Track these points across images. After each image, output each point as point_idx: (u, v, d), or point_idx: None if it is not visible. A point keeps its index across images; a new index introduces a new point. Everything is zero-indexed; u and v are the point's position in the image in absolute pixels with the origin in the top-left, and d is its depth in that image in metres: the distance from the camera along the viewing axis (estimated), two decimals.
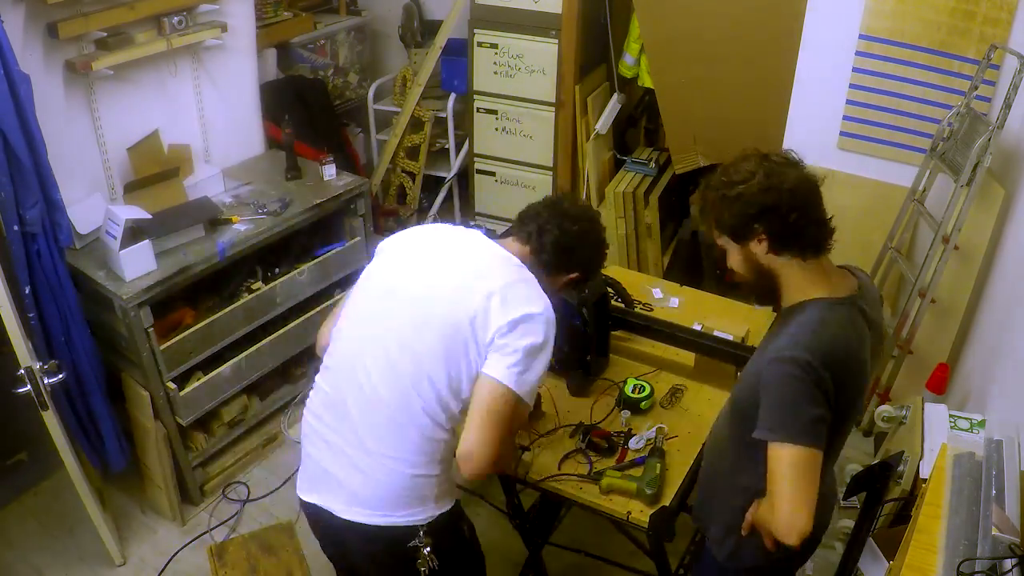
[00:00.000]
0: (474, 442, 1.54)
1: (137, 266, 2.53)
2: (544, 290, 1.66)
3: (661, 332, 2.26)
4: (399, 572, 1.71)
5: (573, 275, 1.78)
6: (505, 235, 1.80)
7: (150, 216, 2.61)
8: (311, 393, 1.78)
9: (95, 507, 2.56)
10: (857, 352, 1.52)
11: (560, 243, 1.72)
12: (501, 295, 1.57)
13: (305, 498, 1.74)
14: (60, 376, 2.28)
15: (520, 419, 1.65)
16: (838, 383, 1.43)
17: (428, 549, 1.66)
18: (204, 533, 2.82)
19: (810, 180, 1.49)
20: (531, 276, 1.66)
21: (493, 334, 1.55)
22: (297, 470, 1.81)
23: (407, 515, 1.65)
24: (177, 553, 2.73)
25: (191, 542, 2.78)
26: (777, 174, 1.45)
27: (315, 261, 3.11)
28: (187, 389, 2.71)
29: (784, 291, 1.58)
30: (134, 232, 2.52)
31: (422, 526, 1.66)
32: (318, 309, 3.14)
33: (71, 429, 2.54)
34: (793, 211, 1.45)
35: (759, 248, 1.51)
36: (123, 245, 2.48)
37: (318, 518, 1.73)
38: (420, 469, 1.63)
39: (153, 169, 2.84)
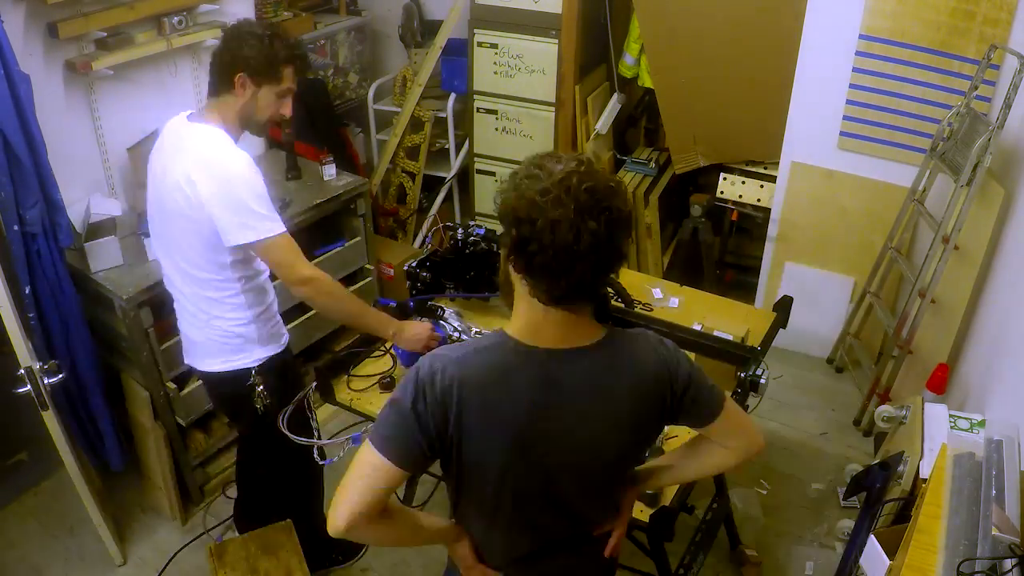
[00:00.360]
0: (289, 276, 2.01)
1: (103, 259, 2.59)
2: (246, 117, 1.98)
3: (661, 332, 2.25)
4: (241, 408, 2.17)
5: (239, 76, 1.91)
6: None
7: (119, 213, 2.78)
8: None
9: (95, 507, 2.56)
10: (497, 402, 1.25)
11: (214, 61, 1.93)
12: (195, 174, 1.88)
13: (186, 361, 2.26)
14: (60, 376, 2.28)
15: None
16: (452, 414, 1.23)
17: (261, 387, 2.12)
18: (204, 533, 2.81)
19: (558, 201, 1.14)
20: (211, 135, 1.93)
21: (207, 217, 1.90)
22: None
23: (238, 361, 2.12)
24: (177, 553, 2.73)
25: (191, 542, 2.78)
26: (533, 178, 1.18)
27: (315, 261, 3.11)
28: (187, 389, 2.71)
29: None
30: (105, 226, 2.66)
31: (252, 368, 2.12)
32: None
33: (71, 429, 2.54)
34: (522, 224, 1.16)
35: (504, 252, 1.27)
36: (88, 237, 2.59)
37: (192, 374, 2.33)
38: (231, 320, 2.07)
39: None
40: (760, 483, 2.96)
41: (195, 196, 1.88)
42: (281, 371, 2.21)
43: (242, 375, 2.13)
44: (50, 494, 2.95)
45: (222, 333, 2.10)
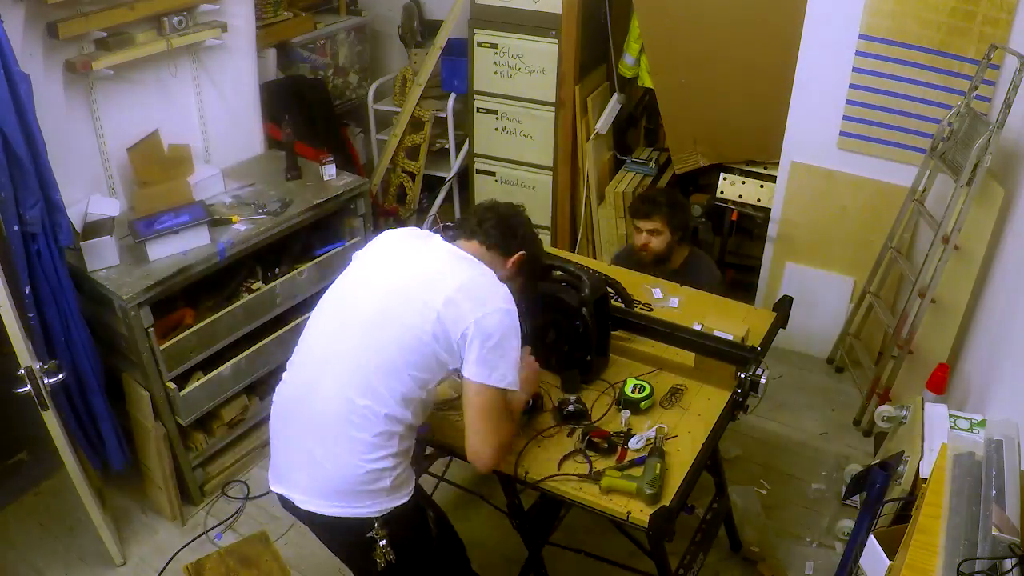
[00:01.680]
0: (477, 444, 1.72)
1: (100, 259, 2.58)
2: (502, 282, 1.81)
3: (661, 332, 2.26)
4: (360, 559, 1.84)
5: (521, 254, 1.90)
6: (452, 239, 1.90)
7: (117, 213, 2.74)
8: (279, 385, 1.90)
9: (95, 507, 2.56)
10: None
11: (501, 224, 1.87)
12: (461, 295, 1.70)
13: (273, 488, 1.86)
14: (60, 376, 2.28)
15: (513, 405, 1.82)
16: None
17: (384, 542, 1.75)
18: (203, 533, 2.82)
19: None
20: (486, 269, 1.79)
21: (460, 336, 1.68)
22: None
23: (360, 507, 1.73)
24: (177, 553, 2.73)
25: (191, 542, 2.78)
26: None
27: (315, 261, 3.11)
28: (187, 389, 2.71)
29: None
30: (103, 226, 2.63)
31: (376, 518, 1.74)
32: None
33: (71, 429, 2.54)
34: None
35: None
36: (86, 237, 2.57)
37: (286, 506, 1.86)
38: (374, 463, 1.71)
39: (153, 169, 2.84)
40: (760, 483, 2.96)
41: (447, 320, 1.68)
42: (412, 524, 1.87)
43: (362, 524, 1.76)
44: (50, 494, 2.95)
45: (362, 475, 1.72)
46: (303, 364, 1.84)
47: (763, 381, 2.03)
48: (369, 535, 1.74)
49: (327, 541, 1.94)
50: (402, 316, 1.71)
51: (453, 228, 1.93)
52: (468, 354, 1.68)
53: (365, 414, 1.69)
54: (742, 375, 2.03)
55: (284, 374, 1.89)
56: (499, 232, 1.87)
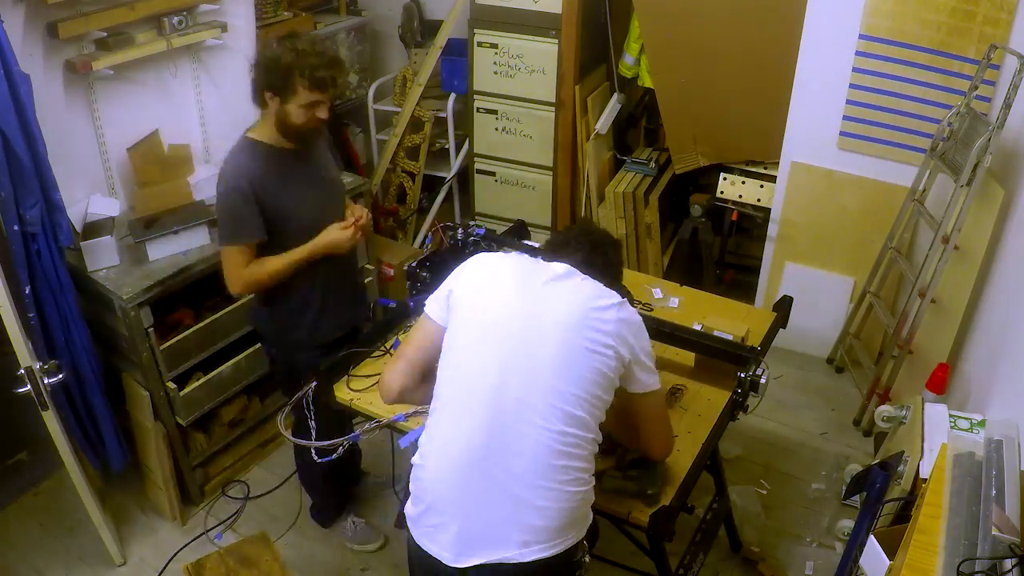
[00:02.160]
0: (660, 446, 1.84)
1: (100, 259, 2.59)
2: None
3: (661, 332, 2.26)
4: None
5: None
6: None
7: (117, 213, 2.75)
8: (424, 449, 1.65)
9: (95, 507, 2.56)
10: None
11: (609, 265, 1.80)
12: (624, 321, 1.65)
13: (464, 565, 1.58)
14: (60, 376, 2.28)
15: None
16: None
17: (587, 556, 1.69)
18: (203, 533, 2.82)
19: None
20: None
21: (631, 357, 1.66)
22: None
23: (573, 538, 1.62)
24: (177, 553, 2.73)
25: (191, 542, 2.78)
26: None
27: None
28: (187, 389, 2.71)
29: None
30: (103, 226, 2.64)
31: (583, 540, 1.65)
32: None
33: (71, 429, 2.54)
34: None
35: None
36: (86, 236, 2.57)
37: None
38: (585, 484, 1.62)
39: (153, 169, 2.84)
40: (760, 483, 2.96)
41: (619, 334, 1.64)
42: (596, 527, 1.78)
43: (577, 548, 1.66)
44: (50, 494, 2.95)
45: (580, 500, 1.63)
46: (472, 414, 1.59)
47: (763, 381, 2.03)
48: (579, 557, 1.65)
49: None
50: (571, 339, 1.59)
51: (550, 252, 1.81)
52: (635, 369, 1.69)
53: (576, 443, 1.58)
54: (742, 375, 2.03)
55: (428, 432, 1.67)
56: (607, 274, 1.76)
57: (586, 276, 1.70)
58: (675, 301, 2.54)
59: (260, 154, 2.18)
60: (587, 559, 1.68)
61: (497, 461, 1.55)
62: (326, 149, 2.41)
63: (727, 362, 2.15)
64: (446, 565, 1.58)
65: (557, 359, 1.59)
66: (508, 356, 1.60)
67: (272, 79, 2.07)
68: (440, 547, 1.59)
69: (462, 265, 1.76)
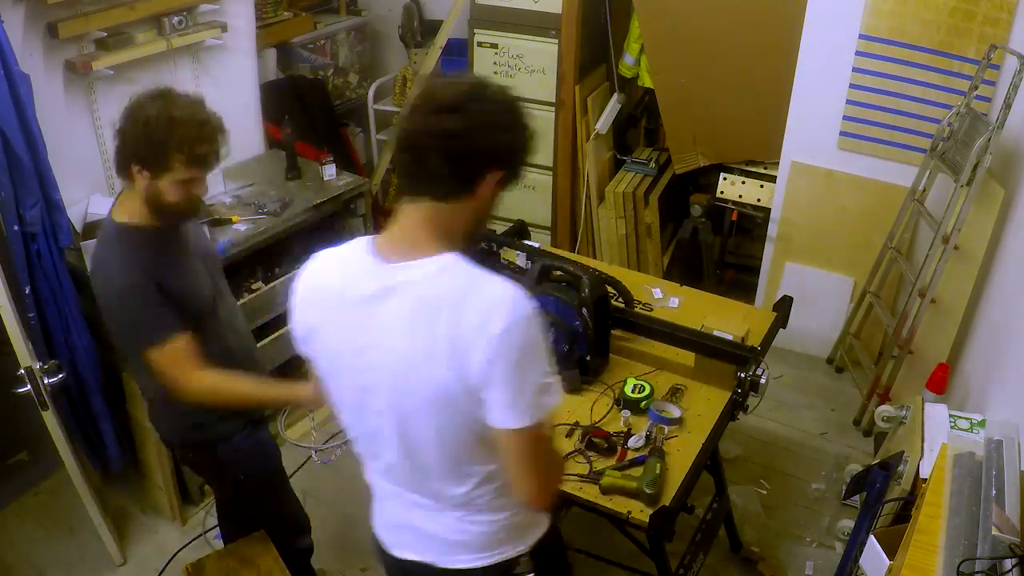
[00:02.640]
0: (528, 491, 1.38)
1: None
2: (478, 219, 1.34)
3: (661, 332, 2.26)
4: None
5: (495, 176, 1.29)
6: (397, 198, 1.51)
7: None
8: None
9: (95, 507, 2.56)
10: None
11: (452, 157, 1.23)
12: (462, 327, 1.22)
13: (399, 555, 1.54)
14: (60, 376, 2.28)
15: (550, 432, 1.41)
16: None
17: (532, 575, 1.57)
18: (202, 534, 2.81)
19: None
20: (464, 270, 1.27)
21: (477, 375, 1.23)
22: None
23: (501, 554, 1.51)
24: (177, 553, 2.73)
25: (191, 542, 2.77)
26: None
27: None
28: None
29: None
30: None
31: (521, 557, 1.54)
32: None
33: (71, 429, 2.54)
34: None
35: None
36: (85, 237, 2.55)
37: (409, 571, 1.55)
38: (508, 511, 1.47)
39: None
40: (760, 483, 2.96)
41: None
42: (553, 549, 1.68)
43: (511, 564, 1.56)
44: (50, 494, 2.95)
45: (507, 522, 1.52)
46: (367, 445, 1.48)
47: (763, 381, 2.02)
48: (516, 572, 1.55)
49: None
50: (418, 374, 1.29)
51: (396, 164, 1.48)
52: (490, 393, 1.25)
53: (453, 485, 1.43)
54: (742, 375, 2.03)
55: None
56: (453, 172, 1.24)
57: (425, 263, 1.26)
58: (675, 301, 2.53)
59: (139, 239, 1.80)
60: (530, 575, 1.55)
61: (411, 483, 1.45)
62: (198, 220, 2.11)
63: (727, 362, 2.15)
64: (387, 551, 1.57)
65: (394, 420, 1.36)
66: (356, 414, 1.43)
67: (142, 152, 1.71)
68: (384, 532, 1.58)
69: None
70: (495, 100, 1.28)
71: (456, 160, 1.24)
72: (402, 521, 1.54)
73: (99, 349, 2.62)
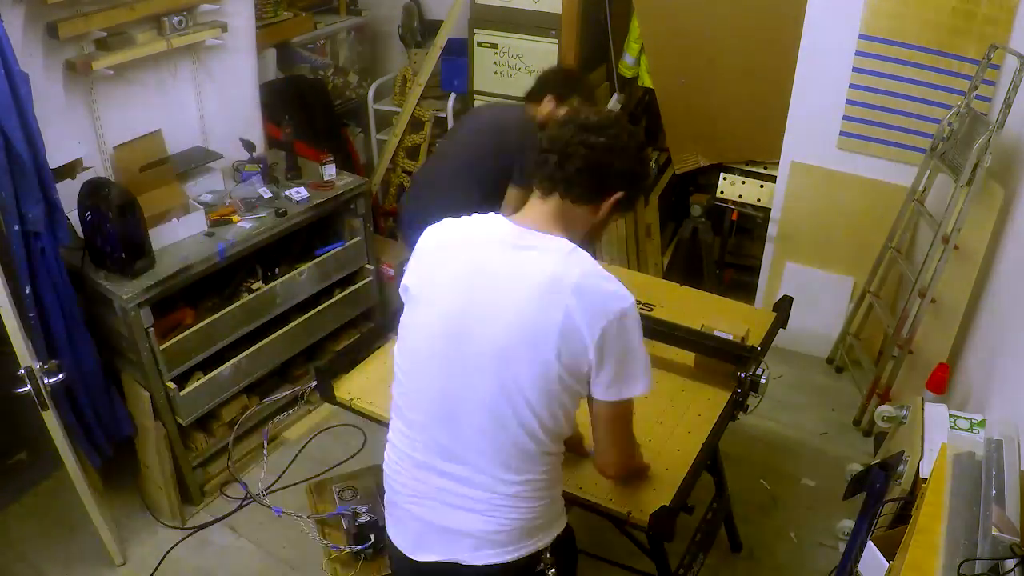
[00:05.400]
0: (610, 456, 1.60)
1: None
2: (593, 231, 1.55)
3: (661, 332, 2.26)
4: None
5: (617, 196, 1.51)
6: (522, 184, 1.68)
7: None
8: (393, 440, 1.62)
9: (95, 507, 2.56)
10: None
11: (589, 166, 1.47)
12: (576, 307, 1.38)
13: (421, 558, 1.57)
14: (60, 376, 2.28)
15: (632, 411, 1.58)
16: None
17: (553, 570, 1.60)
18: (196, 529, 2.81)
19: None
20: (586, 257, 1.44)
21: (585, 358, 1.41)
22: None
23: (532, 546, 1.56)
24: (172, 548, 2.73)
25: (186, 538, 2.78)
26: None
27: (315, 261, 3.11)
28: (187, 389, 2.71)
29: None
30: None
31: (546, 550, 1.59)
32: (318, 309, 3.15)
33: (71, 427, 2.54)
34: None
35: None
36: None
37: (432, 575, 1.59)
38: (544, 493, 1.54)
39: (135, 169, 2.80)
40: (760, 483, 2.97)
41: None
42: (570, 545, 1.72)
43: (534, 559, 1.59)
44: (50, 494, 2.95)
45: (536, 509, 1.57)
46: (426, 412, 1.54)
47: (763, 381, 2.02)
48: (539, 569, 1.59)
49: None
50: (519, 334, 1.42)
51: (529, 165, 1.59)
52: (597, 373, 1.44)
53: (518, 438, 1.49)
54: (742, 375, 2.03)
55: (394, 426, 1.62)
56: (587, 179, 1.47)
57: (550, 241, 1.45)
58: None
59: None
60: (552, 572, 1.59)
61: (450, 464, 1.51)
62: None
63: (727, 362, 2.15)
64: (407, 556, 1.60)
65: (485, 368, 1.46)
66: (443, 364, 1.49)
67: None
68: (402, 539, 1.61)
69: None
70: (631, 134, 1.52)
71: (592, 170, 1.46)
72: (424, 519, 1.56)
73: (98, 348, 2.62)
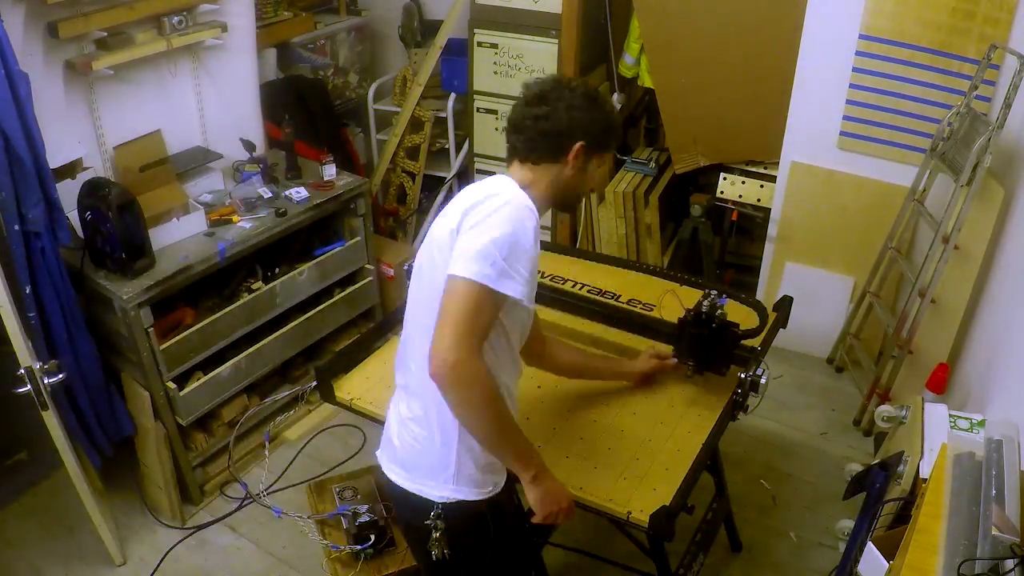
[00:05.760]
0: (438, 343, 1.43)
1: None
2: (573, 183, 1.64)
3: (660, 333, 2.25)
4: (417, 545, 1.73)
5: (578, 144, 1.60)
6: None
7: None
8: None
9: (95, 507, 2.56)
10: None
11: (540, 133, 1.60)
12: (468, 206, 1.52)
13: (388, 475, 1.73)
14: (60, 376, 2.28)
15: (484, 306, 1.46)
16: None
17: (438, 533, 1.63)
18: (197, 529, 2.81)
19: None
20: (503, 181, 1.59)
21: (453, 237, 1.51)
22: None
23: (421, 486, 1.64)
24: (172, 548, 2.73)
25: (186, 538, 2.78)
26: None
27: (315, 261, 3.11)
28: (187, 389, 2.71)
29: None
30: None
31: (436, 504, 1.62)
32: (318, 309, 3.15)
33: (72, 427, 2.54)
34: None
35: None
36: None
37: (391, 492, 1.75)
38: (441, 436, 1.60)
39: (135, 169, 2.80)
40: (760, 482, 2.96)
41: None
42: (472, 526, 1.69)
43: (422, 506, 1.65)
44: (50, 494, 2.95)
45: (430, 447, 1.65)
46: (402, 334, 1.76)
47: (763, 381, 2.03)
48: (427, 521, 1.64)
49: (397, 513, 1.94)
50: (432, 255, 1.60)
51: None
52: (456, 247, 1.48)
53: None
54: (743, 375, 2.03)
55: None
56: (543, 135, 1.60)
57: (497, 178, 1.63)
58: None
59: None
60: (436, 532, 1.62)
61: (399, 377, 1.74)
62: None
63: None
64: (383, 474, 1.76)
65: (417, 293, 1.68)
66: (412, 290, 1.72)
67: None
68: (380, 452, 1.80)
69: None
70: (573, 89, 1.62)
71: (544, 135, 1.60)
72: (388, 431, 1.75)
73: (97, 347, 2.62)
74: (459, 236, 1.49)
